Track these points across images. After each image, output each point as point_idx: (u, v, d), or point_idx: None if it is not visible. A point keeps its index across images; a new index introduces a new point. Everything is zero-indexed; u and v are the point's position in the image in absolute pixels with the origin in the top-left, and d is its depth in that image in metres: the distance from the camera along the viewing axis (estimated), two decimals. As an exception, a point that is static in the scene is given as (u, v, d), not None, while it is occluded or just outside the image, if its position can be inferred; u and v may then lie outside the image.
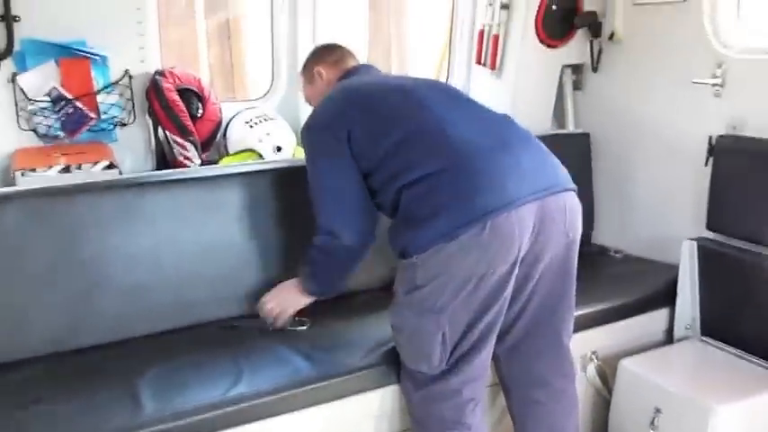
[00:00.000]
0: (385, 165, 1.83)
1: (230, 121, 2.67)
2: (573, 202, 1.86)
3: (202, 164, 2.50)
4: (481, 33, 2.99)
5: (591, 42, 2.92)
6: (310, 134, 1.97)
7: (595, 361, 2.39)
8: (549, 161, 1.87)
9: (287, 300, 2.09)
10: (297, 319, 2.13)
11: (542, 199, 1.74)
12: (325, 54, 2.23)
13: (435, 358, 1.81)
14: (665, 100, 2.68)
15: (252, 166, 2.48)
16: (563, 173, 1.87)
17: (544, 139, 2.84)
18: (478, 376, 1.88)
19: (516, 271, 1.76)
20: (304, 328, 2.13)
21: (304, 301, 2.08)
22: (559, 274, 1.90)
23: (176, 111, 2.40)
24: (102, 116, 2.44)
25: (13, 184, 2.18)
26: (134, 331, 2.14)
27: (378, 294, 2.28)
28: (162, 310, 2.17)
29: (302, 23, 2.86)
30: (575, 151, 2.98)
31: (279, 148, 2.56)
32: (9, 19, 2.25)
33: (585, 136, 3.02)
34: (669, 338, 2.56)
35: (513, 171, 1.73)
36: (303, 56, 2.80)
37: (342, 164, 1.88)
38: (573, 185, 1.87)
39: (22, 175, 2.18)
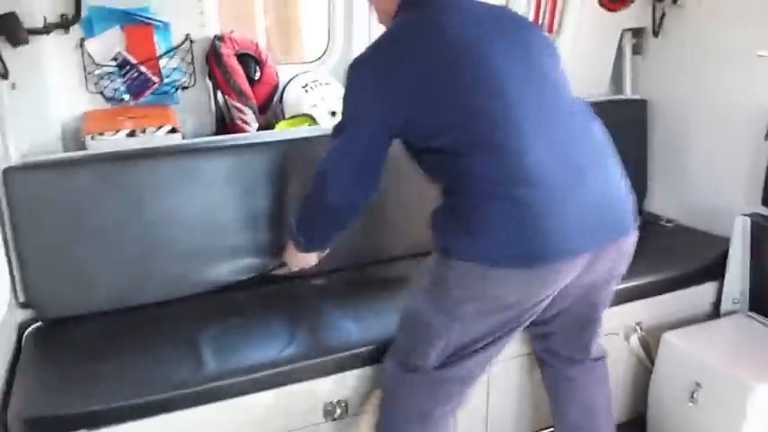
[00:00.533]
0: (450, 154, 1.64)
1: (287, 84, 2.72)
2: (629, 244, 1.78)
3: (259, 128, 2.57)
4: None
5: (654, 6, 2.83)
6: (351, 75, 1.75)
7: (639, 332, 2.42)
8: (620, 194, 1.71)
9: (297, 260, 2.09)
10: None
11: (602, 247, 1.67)
12: None
13: (430, 359, 1.76)
14: (727, 70, 2.61)
15: (303, 131, 2.55)
16: (629, 208, 1.74)
17: (600, 104, 2.87)
18: (469, 377, 1.82)
19: (549, 300, 1.73)
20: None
21: (311, 257, 2.08)
22: (597, 293, 1.86)
23: (234, 76, 2.46)
24: (165, 80, 2.52)
25: (84, 147, 2.30)
26: (193, 289, 2.28)
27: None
28: (218, 270, 2.31)
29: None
30: (631, 117, 2.95)
31: (333, 113, 2.60)
32: (77, -15, 2.32)
33: (643, 102, 2.97)
34: (716, 311, 2.57)
35: (582, 216, 1.60)
36: (359, 19, 2.88)
37: (368, 130, 1.71)
38: (635, 224, 1.76)
39: (92, 138, 2.29)
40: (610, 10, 2.85)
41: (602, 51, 2.98)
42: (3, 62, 2.11)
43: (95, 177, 2.19)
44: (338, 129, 1.75)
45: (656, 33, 2.86)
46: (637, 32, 2.97)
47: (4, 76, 2.13)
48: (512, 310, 1.68)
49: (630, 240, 1.77)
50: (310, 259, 2.10)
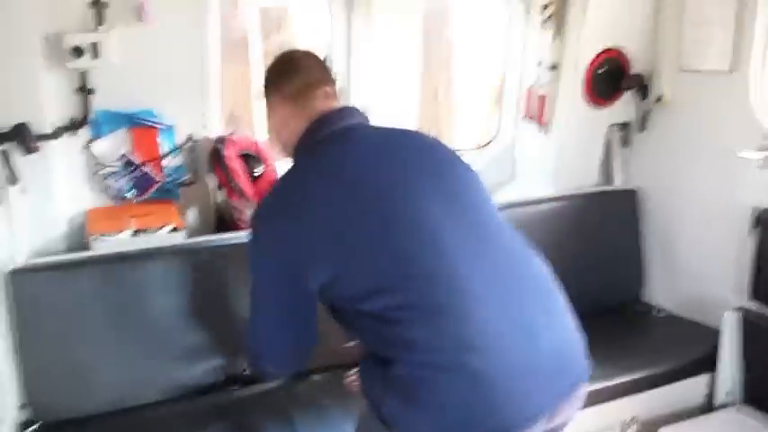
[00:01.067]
0: (384, 320, 1.39)
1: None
2: (584, 389, 1.51)
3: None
4: (529, 92, 3.06)
5: (637, 104, 2.96)
6: (257, 226, 1.54)
7: (634, 427, 2.44)
8: (572, 339, 1.50)
9: None
10: None
11: (556, 407, 1.44)
12: (282, 78, 1.68)
13: None
14: (710, 166, 2.71)
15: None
16: (582, 352, 1.51)
17: (591, 195, 2.96)
18: None
19: None
20: None
21: None
22: None
23: (236, 178, 2.53)
24: (167, 177, 2.60)
25: (89, 247, 2.36)
26: (195, 386, 2.31)
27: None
28: (219, 369, 2.34)
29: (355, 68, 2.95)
30: (622, 208, 3.05)
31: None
32: (85, 91, 2.42)
33: (632, 192, 3.06)
34: (710, 404, 2.60)
35: (537, 377, 1.39)
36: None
37: (285, 283, 1.49)
38: (587, 375, 1.51)
39: (95, 240, 2.35)
40: (597, 106, 2.98)
41: (590, 145, 3.09)
42: (12, 170, 2.19)
43: (98, 277, 2.25)
44: (253, 296, 1.56)
45: (641, 128, 2.98)
46: (623, 126, 3.08)
47: (14, 182, 2.21)
48: None
49: (585, 385, 1.51)
50: None
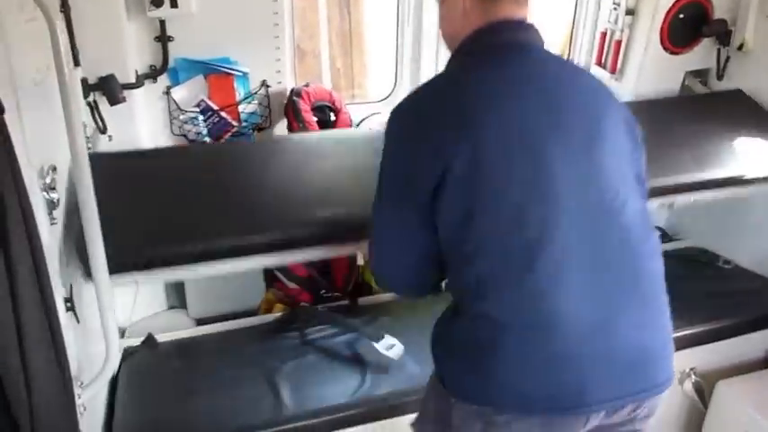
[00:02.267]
0: (468, 265, 1.37)
1: (358, 125, 2.86)
2: (656, 405, 1.45)
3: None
4: (603, 36, 2.99)
5: (718, 50, 2.86)
6: (393, 123, 1.44)
7: (693, 377, 2.49)
8: (656, 344, 1.43)
9: None
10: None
11: (623, 405, 1.39)
12: None
13: None
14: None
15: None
16: (667, 363, 1.44)
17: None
18: None
19: None
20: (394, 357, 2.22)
21: None
22: None
23: (311, 129, 2.61)
24: (243, 123, 2.69)
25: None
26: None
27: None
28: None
29: (427, 25, 2.93)
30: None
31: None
32: (165, 40, 2.49)
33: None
34: (769, 359, 2.63)
35: (601, 368, 1.34)
36: (427, 58, 2.97)
37: (410, 204, 1.40)
38: (669, 380, 1.43)
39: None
40: (673, 53, 2.89)
41: (665, 92, 3.01)
42: (102, 119, 2.30)
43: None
44: (376, 213, 1.49)
45: (720, 77, 2.89)
46: (700, 73, 2.99)
47: (103, 131, 2.33)
48: None
49: (659, 400, 1.45)
50: None
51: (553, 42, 3.57)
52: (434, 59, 2.93)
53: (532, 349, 1.33)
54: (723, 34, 2.80)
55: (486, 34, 1.44)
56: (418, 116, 1.40)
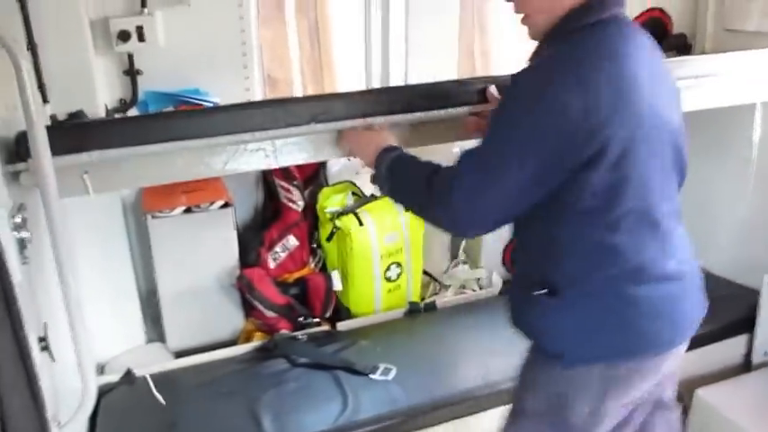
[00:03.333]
0: (612, 231, 1.43)
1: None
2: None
3: (306, 197, 2.72)
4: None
5: (679, 63, 2.93)
6: (536, 92, 1.36)
7: (672, 386, 2.52)
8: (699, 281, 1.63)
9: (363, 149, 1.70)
10: (384, 366, 2.33)
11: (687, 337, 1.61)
12: None
13: None
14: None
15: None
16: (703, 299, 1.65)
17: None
18: None
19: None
20: (388, 378, 2.29)
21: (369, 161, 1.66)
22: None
23: (281, 161, 2.62)
24: (215, 153, 2.68)
25: (146, 225, 2.48)
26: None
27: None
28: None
29: (394, 49, 2.96)
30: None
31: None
32: (133, 73, 2.50)
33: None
34: (747, 363, 2.66)
35: (686, 303, 1.56)
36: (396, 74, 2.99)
37: (535, 165, 1.36)
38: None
39: (153, 217, 2.46)
40: None
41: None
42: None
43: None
44: (491, 152, 1.40)
45: (682, 89, 2.95)
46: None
47: (73, 166, 2.31)
48: (632, 403, 1.60)
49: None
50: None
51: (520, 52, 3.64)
52: (403, 82, 2.97)
53: (663, 298, 1.48)
54: (683, 47, 2.86)
55: (602, 4, 1.43)
56: (579, 81, 1.34)
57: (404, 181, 1.55)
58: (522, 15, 1.53)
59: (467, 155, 1.43)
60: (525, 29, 1.54)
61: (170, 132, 1.66)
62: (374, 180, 1.64)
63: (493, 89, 1.83)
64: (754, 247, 2.76)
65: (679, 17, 2.87)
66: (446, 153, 1.96)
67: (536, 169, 1.36)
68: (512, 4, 1.53)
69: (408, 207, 1.63)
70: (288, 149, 1.78)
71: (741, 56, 2.39)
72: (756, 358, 2.63)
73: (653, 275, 1.47)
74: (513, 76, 1.42)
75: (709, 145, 2.87)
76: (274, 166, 1.82)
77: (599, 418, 1.56)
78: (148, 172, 1.74)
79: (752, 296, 2.66)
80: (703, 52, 2.85)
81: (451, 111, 1.87)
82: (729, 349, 2.65)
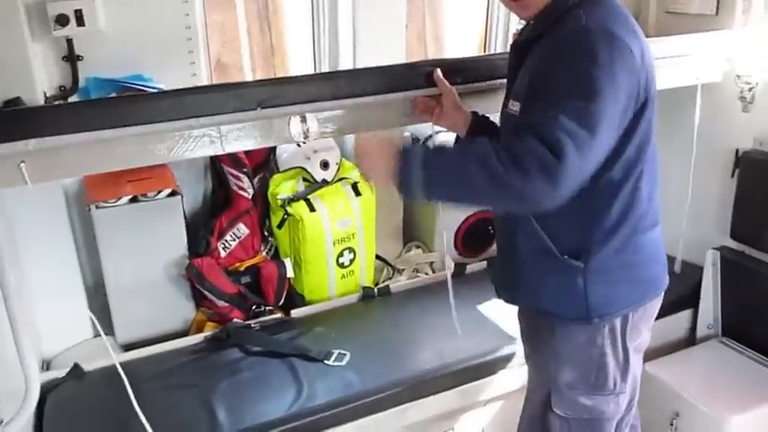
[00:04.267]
0: (640, 180, 1.56)
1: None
2: None
3: (255, 184, 2.68)
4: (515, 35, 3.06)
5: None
6: (605, 41, 1.39)
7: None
8: None
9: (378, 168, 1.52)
10: (338, 352, 2.32)
11: None
12: None
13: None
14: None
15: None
16: None
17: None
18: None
19: None
20: (342, 363, 2.28)
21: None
22: None
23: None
24: (161, 140, 2.62)
25: (90, 216, 2.40)
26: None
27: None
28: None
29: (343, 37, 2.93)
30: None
31: (326, 165, 2.72)
32: (73, 59, 2.41)
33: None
34: (692, 336, 2.75)
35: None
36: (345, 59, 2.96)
37: (619, 112, 1.41)
38: None
39: (97, 208, 2.39)
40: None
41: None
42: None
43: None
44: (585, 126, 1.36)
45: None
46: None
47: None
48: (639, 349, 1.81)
49: None
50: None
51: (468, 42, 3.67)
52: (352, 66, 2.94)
53: (657, 241, 1.68)
54: (627, 30, 2.91)
55: None
56: (628, 55, 1.41)
57: (457, 173, 1.38)
58: None
59: (552, 120, 1.35)
60: (515, 11, 1.63)
61: (112, 119, 1.60)
62: (408, 186, 1.43)
63: (439, 72, 1.84)
64: (697, 224, 2.83)
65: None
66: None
67: (623, 106, 1.42)
68: None
69: (472, 199, 1.50)
70: (234, 135, 1.74)
71: (683, 39, 2.46)
72: (701, 332, 2.71)
73: (652, 222, 1.63)
74: (563, 39, 1.45)
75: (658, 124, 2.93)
76: (221, 152, 1.78)
77: (626, 367, 1.70)
78: (90, 160, 1.67)
79: (696, 272, 2.73)
80: (647, 35, 2.89)
81: (400, 94, 1.87)
82: (674, 325, 2.72)
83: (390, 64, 1.98)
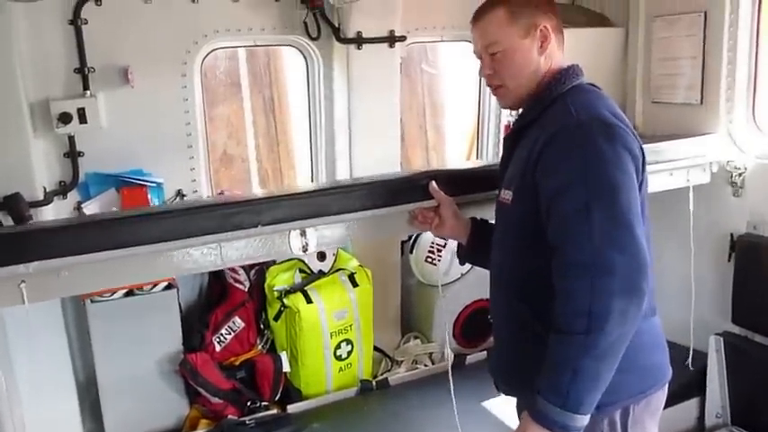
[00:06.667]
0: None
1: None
2: None
3: (253, 274, 2.67)
4: (507, 128, 3.14)
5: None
6: (603, 132, 1.43)
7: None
8: None
9: None
10: None
11: None
12: (552, 5, 1.59)
13: None
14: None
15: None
16: None
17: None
18: None
19: None
20: None
21: None
22: None
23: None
24: (159, 234, 2.63)
25: (84, 310, 2.38)
26: None
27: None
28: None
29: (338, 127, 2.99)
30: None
31: (323, 256, 2.72)
32: (74, 155, 2.46)
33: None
34: (701, 426, 2.66)
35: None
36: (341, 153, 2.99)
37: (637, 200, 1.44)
38: None
39: (92, 302, 2.37)
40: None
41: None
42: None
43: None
44: (619, 226, 1.40)
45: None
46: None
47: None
48: None
49: None
50: None
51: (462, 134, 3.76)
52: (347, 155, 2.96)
53: (659, 331, 1.64)
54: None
55: (574, 72, 1.58)
56: (624, 135, 1.46)
57: (589, 382, 1.40)
58: (495, 86, 1.60)
59: (590, 244, 1.38)
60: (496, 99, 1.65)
61: (113, 239, 1.61)
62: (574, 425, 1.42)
63: (434, 185, 1.85)
64: (698, 309, 2.80)
65: (608, 90, 2.99)
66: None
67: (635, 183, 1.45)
68: (486, 75, 1.60)
69: (614, 365, 1.42)
70: (235, 252, 1.75)
71: (674, 145, 2.49)
72: (709, 421, 2.63)
73: (650, 308, 1.56)
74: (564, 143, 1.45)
75: (656, 216, 2.95)
76: (221, 267, 1.78)
77: None
78: (90, 280, 1.68)
79: (700, 358, 2.68)
80: (634, 125, 2.96)
81: (399, 207, 1.88)
82: (682, 414, 2.64)
83: (387, 178, 2.00)
